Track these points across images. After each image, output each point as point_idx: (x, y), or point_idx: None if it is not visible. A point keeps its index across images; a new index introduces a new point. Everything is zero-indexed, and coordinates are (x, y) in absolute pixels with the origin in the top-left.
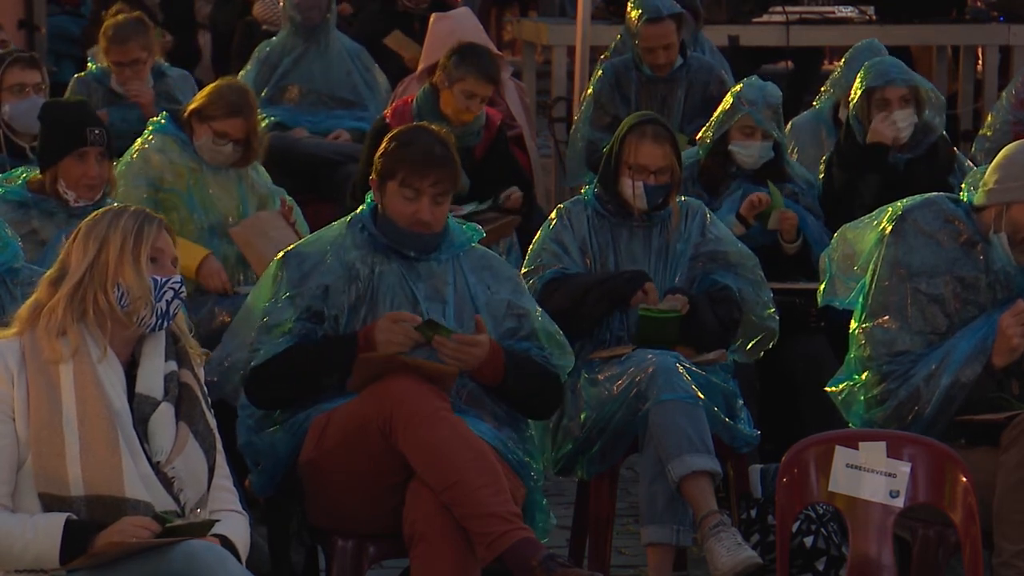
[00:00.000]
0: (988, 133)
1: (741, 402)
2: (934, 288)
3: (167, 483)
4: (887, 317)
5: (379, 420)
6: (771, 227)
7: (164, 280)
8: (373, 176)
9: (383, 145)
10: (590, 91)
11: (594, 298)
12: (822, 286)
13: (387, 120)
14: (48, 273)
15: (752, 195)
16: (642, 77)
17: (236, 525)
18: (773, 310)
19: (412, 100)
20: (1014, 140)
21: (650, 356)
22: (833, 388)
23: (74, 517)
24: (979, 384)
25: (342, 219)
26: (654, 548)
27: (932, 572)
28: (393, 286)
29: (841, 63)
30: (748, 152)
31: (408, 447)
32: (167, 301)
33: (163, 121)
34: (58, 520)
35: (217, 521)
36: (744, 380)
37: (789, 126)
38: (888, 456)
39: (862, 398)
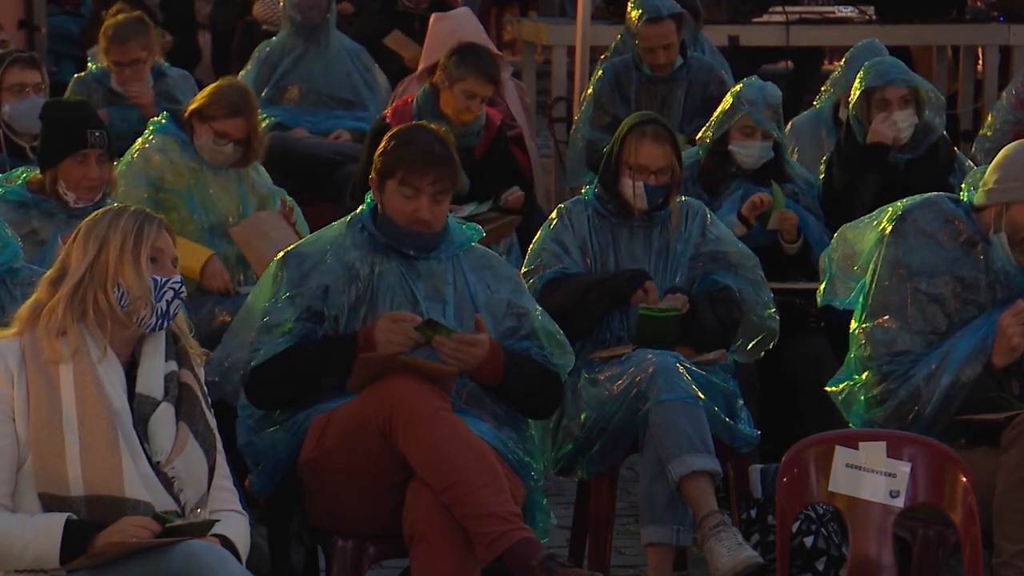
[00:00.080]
0: (988, 133)
1: (741, 402)
2: (934, 288)
3: (167, 483)
4: (887, 317)
5: (379, 420)
6: (771, 227)
7: (164, 280)
8: (373, 175)
9: (383, 144)
10: (590, 91)
11: (594, 297)
12: (822, 286)
13: (387, 120)
14: (48, 273)
15: (754, 195)
16: (642, 77)
17: (236, 525)
18: (773, 310)
19: (412, 100)
20: (1014, 140)
21: (650, 356)
22: (833, 388)
23: (74, 517)
24: (979, 384)
25: (342, 219)
26: (654, 548)
27: (932, 572)
28: (393, 286)
29: (841, 63)
30: (748, 152)
31: (408, 447)
32: (167, 301)
33: (163, 121)
34: (58, 520)
35: (217, 521)
36: (744, 380)
37: (789, 126)
38: (888, 456)
39: (862, 398)
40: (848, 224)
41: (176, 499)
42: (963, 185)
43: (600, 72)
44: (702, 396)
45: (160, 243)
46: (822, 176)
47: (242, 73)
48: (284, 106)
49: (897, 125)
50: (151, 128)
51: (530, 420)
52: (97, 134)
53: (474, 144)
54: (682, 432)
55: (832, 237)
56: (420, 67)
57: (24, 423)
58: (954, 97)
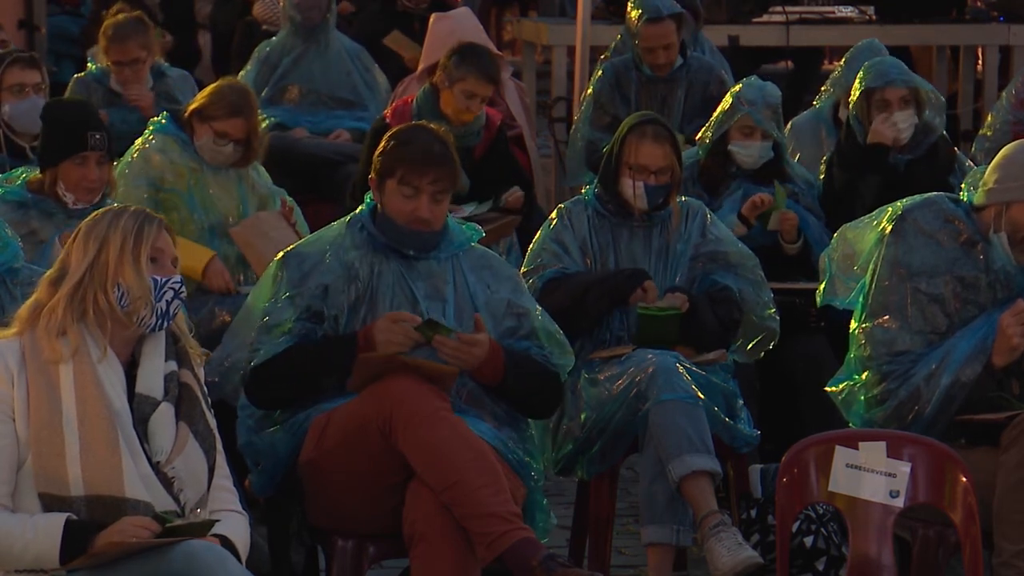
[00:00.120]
0: (988, 133)
1: (741, 402)
2: (934, 288)
3: (167, 483)
4: (887, 317)
5: (379, 420)
6: (771, 228)
7: (164, 280)
8: (372, 175)
9: (382, 144)
10: (590, 91)
11: (594, 296)
12: (822, 286)
13: (387, 120)
14: (48, 273)
15: (755, 195)
16: (642, 77)
17: (236, 525)
18: (773, 310)
19: (412, 100)
20: (1014, 140)
21: (650, 356)
22: (833, 388)
23: (74, 517)
24: (979, 384)
25: (342, 219)
26: (654, 548)
27: (932, 572)
28: (392, 285)
29: (841, 63)
30: (748, 152)
31: (408, 447)
32: (167, 301)
33: (164, 121)
34: (58, 520)
35: (217, 521)
36: (744, 380)
37: (789, 126)
38: (888, 456)
39: (862, 398)
40: (848, 224)
41: (176, 499)
42: (963, 185)
43: (600, 72)
44: (702, 396)
45: (160, 243)
46: (822, 176)
47: (242, 73)
48: (284, 106)
49: (897, 126)
50: (151, 128)
51: (530, 420)
52: (97, 136)
53: (474, 144)
54: (682, 432)
55: (832, 237)
56: (420, 67)
57: (24, 423)
58: (954, 97)
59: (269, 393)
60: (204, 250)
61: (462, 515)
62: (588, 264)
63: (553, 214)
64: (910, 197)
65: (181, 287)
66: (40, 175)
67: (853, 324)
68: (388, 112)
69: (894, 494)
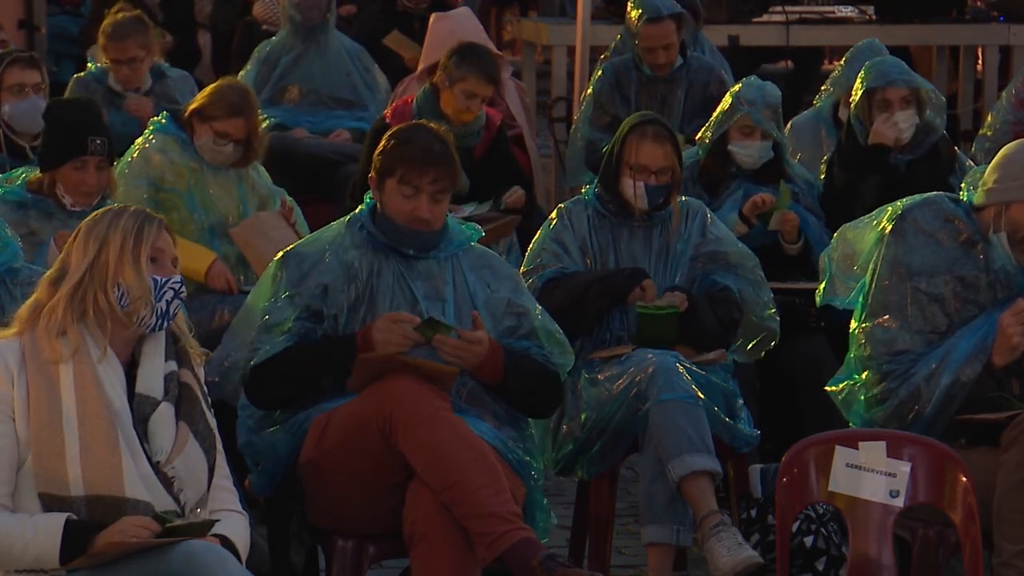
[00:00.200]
0: (988, 133)
1: (741, 402)
2: (934, 287)
3: (167, 483)
4: (887, 316)
5: (379, 420)
6: (772, 228)
7: (164, 280)
8: (372, 174)
9: (382, 143)
10: (590, 91)
11: (594, 295)
12: (822, 286)
13: (387, 120)
14: (48, 273)
15: (756, 195)
16: (642, 77)
17: (236, 525)
18: (773, 310)
19: (412, 100)
20: (1014, 140)
21: (650, 356)
22: (833, 388)
23: (74, 517)
24: (979, 383)
25: (341, 219)
26: (654, 548)
27: (932, 572)
28: (392, 285)
29: (841, 63)
30: (747, 152)
31: (408, 447)
32: (167, 301)
33: (164, 121)
34: (58, 520)
35: (217, 521)
36: (744, 380)
37: (789, 126)
38: (888, 456)
39: (862, 397)
40: (848, 224)
41: (176, 499)
42: (963, 185)
43: (600, 72)
44: (702, 396)
45: (160, 243)
46: (822, 176)
47: (242, 73)
48: (284, 106)
49: (898, 126)
50: (151, 128)
51: (530, 420)
52: (98, 141)
53: (474, 144)
54: (682, 432)
55: (832, 237)
56: (420, 67)
57: (24, 423)
58: (954, 97)
59: (269, 393)
60: (206, 252)
61: (462, 515)
62: (588, 264)
63: (553, 214)
64: (910, 197)
65: (181, 287)
66: (40, 175)
67: (853, 324)
68: (388, 112)
69: (894, 494)
